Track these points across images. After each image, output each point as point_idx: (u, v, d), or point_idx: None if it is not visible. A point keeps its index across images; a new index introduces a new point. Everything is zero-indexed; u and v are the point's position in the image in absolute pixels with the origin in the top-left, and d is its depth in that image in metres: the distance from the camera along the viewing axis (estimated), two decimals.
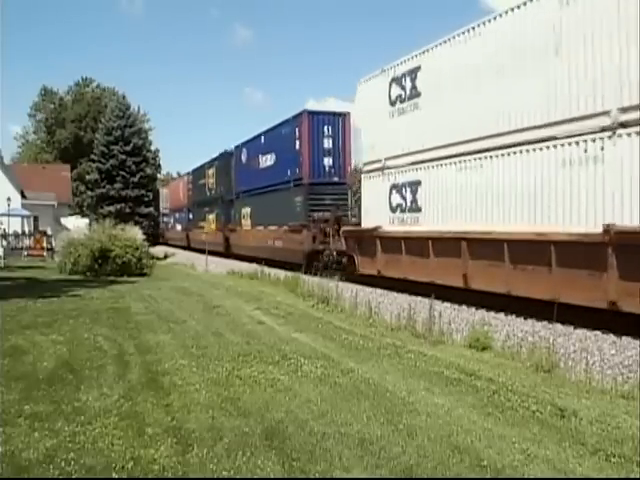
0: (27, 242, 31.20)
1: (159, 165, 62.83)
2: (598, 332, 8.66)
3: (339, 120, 20.56)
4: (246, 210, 26.37)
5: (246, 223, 26.31)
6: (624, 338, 8.23)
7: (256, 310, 11.31)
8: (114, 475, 3.68)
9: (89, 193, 48.99)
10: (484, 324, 9.28)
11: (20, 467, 3.79)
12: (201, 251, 30.00)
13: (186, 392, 5.47)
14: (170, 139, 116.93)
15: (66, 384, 5.70)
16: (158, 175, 61.60)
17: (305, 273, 16.92)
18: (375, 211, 14.40)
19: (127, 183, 46.83)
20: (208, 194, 33.83)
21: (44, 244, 30.42)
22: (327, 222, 18.25)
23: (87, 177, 49.77)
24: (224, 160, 30.34)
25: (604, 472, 3.90)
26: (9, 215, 30.06)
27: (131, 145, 47.30)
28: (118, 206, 45.46)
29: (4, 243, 29.28)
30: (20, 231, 32.73)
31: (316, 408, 5.04)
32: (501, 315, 10.51)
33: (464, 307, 11.45)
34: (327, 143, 20.27)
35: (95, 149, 47.86)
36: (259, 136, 24.92)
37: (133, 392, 5.46)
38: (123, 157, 46.75)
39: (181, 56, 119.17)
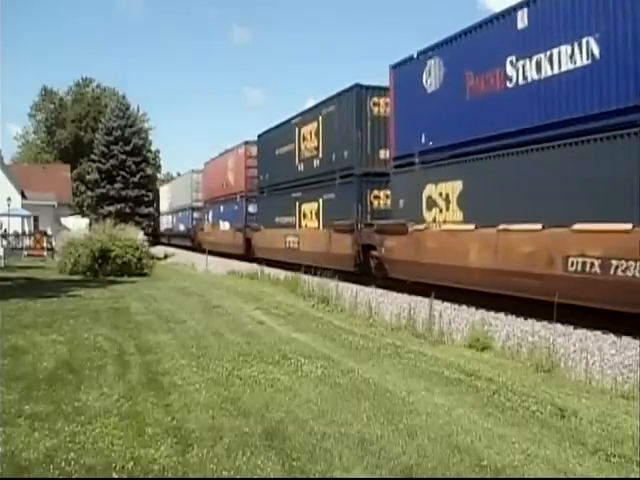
0: (27, 242, 31.21)
1: (159, 165, 62.96)
2: (598, 332, 8.67)
3: None
4: (445, 189, 12.13)
5: (447, 218, 12.07)
6: (624, 338, 8.24)
7: (256, 310, 11.31)
8: (114, 475, 3.67)
9: (89, 193, 49.15)
10: (484, 324, 9.28)
11: (20, 467, 3.78)
12: (287, 266, 18.84)
13: (186, 392, 5.46)
14: (170, 139, 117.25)
15: (66, 384, 5.69)
16: (158, 175, 61.64)
17: None
18: None
19: (127, 183, 47.01)
20: (301, 169, 19.96)
21: (44, 244, 30.42)
22: None
23: (87, 177, 49.91)
24: (348, 103, 16.33)
25: (604, 472, 3.90)
26: (9, 215, 30.08)
27: (131, 145, 47.47)
28: (118, 206, 45.64)
29: (4, 243, 29.27)
30: (20, 231, 32.74)
31: (316, 408, 5.04)
32: (501, 315, 10.51)
33: (464, 307, 11.45)
34: None
35: (95, 149, 48.03)
36: (511, 11, 10.44)
37: (133, 392, 5.45)
38: (123, 157, 46.94)
39: (179, 56, 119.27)
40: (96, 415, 4.74)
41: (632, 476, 3.86)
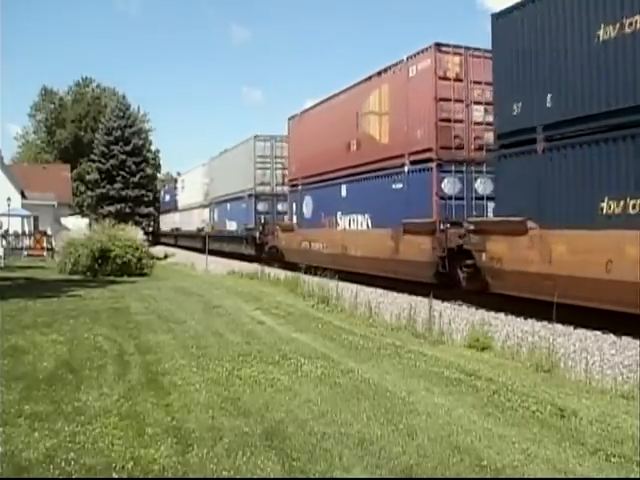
0: (27, 242, 31.23)
1: (159, 165, 62.97)
2: (598, 332, 8.68)
3: None
4: None
5: None
6: (624, 338, 8.25)
7: (256, 310, 11.30)
8: (114, 475, 3.67)
9: (89, 193, 49.27)
10: (484, 324, 9.28)
11: (20, 467, 3.78)
12: None
13: (186, 392, 5.46)
14: (170, 139, 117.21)
15: (66, 384, 5.69)
16: (158, 175, 61.64)
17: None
18: None
19: (127, 183, 47.15)
20: None
21: (44, 244, 30.46)
22: None
23: (87, 177, 50.01)
24: None
25: (604, 472, 3.90)
26: (9, 215, 30.07)
27: (131, 145, 47.60)
28: (118, 206, 45.79)
29: (4, 243, 29.28)
30: (20, 231, 32.75)
31: (316, 408, 5.04)
32: (501, 315, 10.52)
33: (464, 307, 11.46)
34: None
35: (95, 149, 48.16)
36: None
37: (133, 392, 5.45)
38: (123, 157, 47.07)
39: (178, 56, 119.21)
40: (96, 415, 4.74)
41: (632, 476, 3.86)
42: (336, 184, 17.57)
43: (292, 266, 17.88)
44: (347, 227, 16.84)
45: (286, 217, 23.50)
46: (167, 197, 49.26)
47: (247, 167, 26.54)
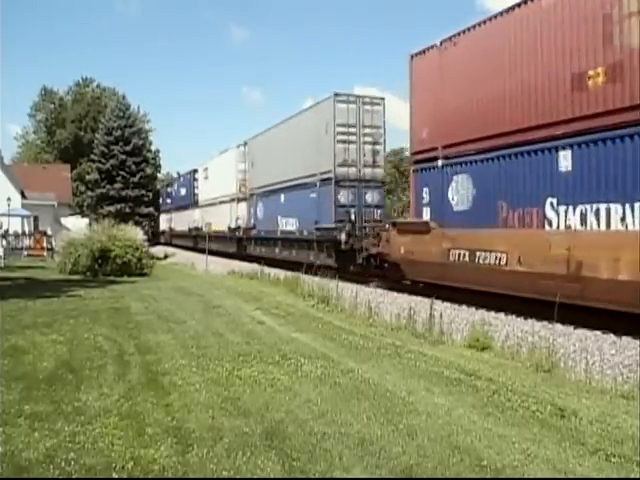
0: (27, 242, 31.25)
1: (159, 165, 62.96)
2: (598, 332, 8.68)
3: None
4: None
5: None
6: (624, 338, 8.25)
7: (256, 310, 11.30)
8: (114, 475, 3.68)
9: (89, 193, 49.33)
10: (484, 324, 9.28)
11: (20, 467, 3.78)
12: None
13: (186, 392, 5.47)
14: (170, 139, 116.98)
15: (66, 384, 5.69)
16: (158, 175, 61.63)
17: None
18: None
19: (127, 183, 47.23)
20: None
21: (44, 244, 30.46)
22: None
23: (87, 177, 50.06)
24: None
25: (604, 472, 3.90)
26: (9, 215, 30.07)
27: (131, 145, 47.68)
28: (118, 206, 45.86)
29: (4, 243, 29.28)
30: (20, 231, 32.76)
31: (316, 408, 5.04)
32: (501, 315, 10.51)
33: (464, 307, 11.45)
34: None
35: (95, 149, 48.22)
36: None
37: (133, 392, 5.45)
38: (123, 157, 47.15)
39: (178, 57, 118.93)
40: (96, 415, 4.74)
41: (632, 476, 3.86)
42: (541, 150, 9.94)
43: (416, 288, 12.00)
44: (577, 227, 9.23)
45: (377, 211, 18.20)
46: (182, 191, 41.36)
47: (321, 140, 18.58)
